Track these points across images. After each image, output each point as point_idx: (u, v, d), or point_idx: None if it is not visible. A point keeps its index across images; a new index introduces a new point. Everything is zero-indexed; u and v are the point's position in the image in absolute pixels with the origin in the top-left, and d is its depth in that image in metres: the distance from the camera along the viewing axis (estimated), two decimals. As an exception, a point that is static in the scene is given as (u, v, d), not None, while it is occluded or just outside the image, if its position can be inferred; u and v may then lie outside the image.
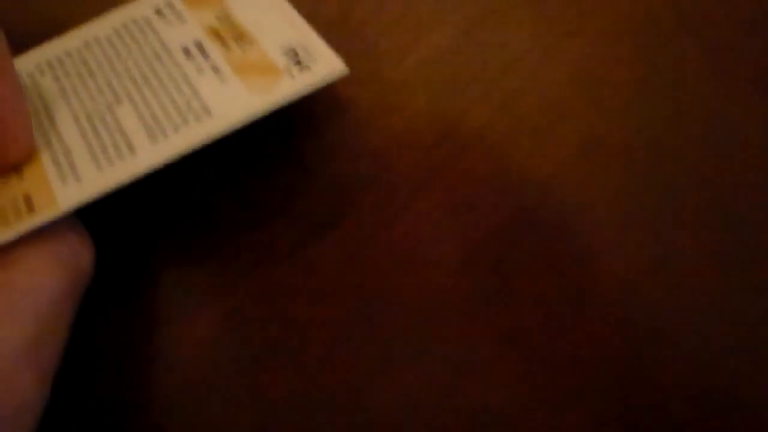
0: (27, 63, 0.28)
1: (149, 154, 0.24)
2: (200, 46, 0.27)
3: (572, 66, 0.28)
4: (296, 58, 0.26)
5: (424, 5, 0.29)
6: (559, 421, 0.23)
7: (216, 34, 0.27)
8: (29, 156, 0.24)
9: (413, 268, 0.25)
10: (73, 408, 0.24)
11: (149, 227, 0.27)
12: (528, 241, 0.26)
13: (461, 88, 0.28)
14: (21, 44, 0.27)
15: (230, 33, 0.27)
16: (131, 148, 0.25)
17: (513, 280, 0.25)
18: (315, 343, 0.25)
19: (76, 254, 0.23)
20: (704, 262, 0.25)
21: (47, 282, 0.22)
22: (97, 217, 0.26)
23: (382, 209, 0.26)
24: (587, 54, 0.28)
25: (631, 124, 0.27)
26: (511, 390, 0.24)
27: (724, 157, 0.26)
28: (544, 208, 0.26)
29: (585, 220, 0.26)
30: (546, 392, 0.24)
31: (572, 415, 0.23)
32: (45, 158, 0.25)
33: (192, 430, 0.24)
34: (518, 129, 0.27)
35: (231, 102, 0.25)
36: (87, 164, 0.25)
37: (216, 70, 0.26)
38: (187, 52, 0.27)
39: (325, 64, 0.26)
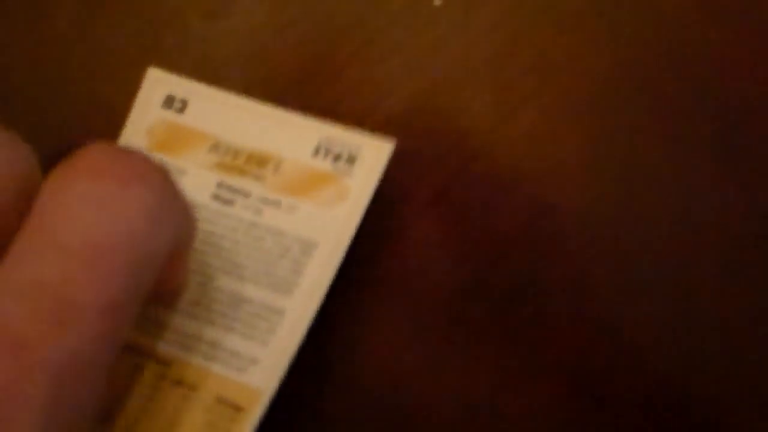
0: None
1: (299, 307, 0.26)
2: (229, 188, 0.28)
3: (529, 131, 0.29)
4: (333, 154, 0.28)
5: (383, 70, 0.32)
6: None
7: (229, 168, 0.28)
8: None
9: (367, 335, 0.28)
10: None
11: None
12: (480, 308, 0.28)
13: (416, 154, 0.30)
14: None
15: (243, 160, 0.28)
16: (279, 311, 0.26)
17: (465, 347, 0.27)
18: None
19: None
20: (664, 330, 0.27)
21: None
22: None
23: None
24: (544, 119, 0.29)
25: (587, 192, 0.29)
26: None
27: (682, 224, 0.28)
28: (497, 274, 0.28)
29: (537, 287, 0.28)
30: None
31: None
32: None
33: None
34: (472, 194, 0.29)
35: (324, 225, 0.27)
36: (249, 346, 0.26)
37: (272, 203, 0.28)
38: (218, 198, 0.28)
39: (371, 148, 0.28)
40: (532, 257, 0.28)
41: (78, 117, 0.30)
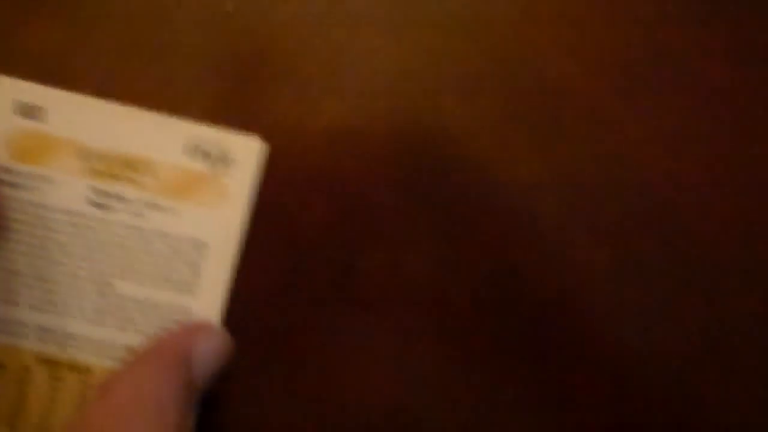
0: None
1: (205, 305, 0.29)
2: (105, 193, 0.29)
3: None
4: (205, 154, 0.29)
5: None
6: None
7: (101, 174, 0.30)
8: None
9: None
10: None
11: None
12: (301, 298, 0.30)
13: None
14: None
15: (114, 164, 0.29)
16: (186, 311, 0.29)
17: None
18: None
19: None
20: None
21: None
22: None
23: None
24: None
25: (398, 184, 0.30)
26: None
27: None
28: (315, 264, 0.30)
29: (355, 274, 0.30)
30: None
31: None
32: None
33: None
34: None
35: (210, 225, 0.29)
36: None
37: (153, 206, 0.30)
38: (95, 204, 0.29)
39: (240, 147, 0.30)
40: (345, 247, 0.30)
41: None
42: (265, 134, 0.30)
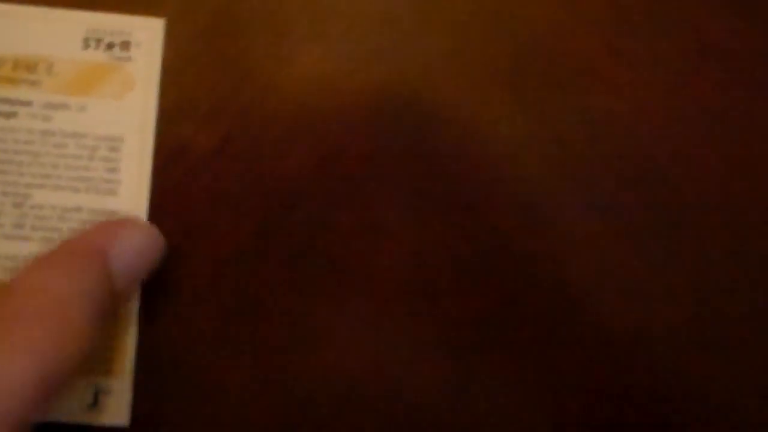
0: None
1: (130, 204, 0.28)
2: (4, 100, 0.27)
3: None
4: (105, 43, 0.28)
5: None
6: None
7: (0, 80, 0.28)
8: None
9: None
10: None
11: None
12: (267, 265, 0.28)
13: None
14: None
15: (9, 68, 0.28)
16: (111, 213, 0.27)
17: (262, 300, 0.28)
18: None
19: None
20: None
21: None
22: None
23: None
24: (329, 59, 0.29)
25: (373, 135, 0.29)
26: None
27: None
28: (290, 221, 0.28)
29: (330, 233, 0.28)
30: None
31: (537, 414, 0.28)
32: None
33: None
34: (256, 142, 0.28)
35: (121, 118, 0.28)
36: None
37: (58, 106, 0.28)
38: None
39: (143, 30, 0.28)
40: (322, 202, 0.28)
41: None
42: (240, 79, 0.28)
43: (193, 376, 0.27)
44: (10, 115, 0.27)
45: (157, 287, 0.27)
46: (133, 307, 0.26)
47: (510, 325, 0.28)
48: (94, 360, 0.26)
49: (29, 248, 0.26)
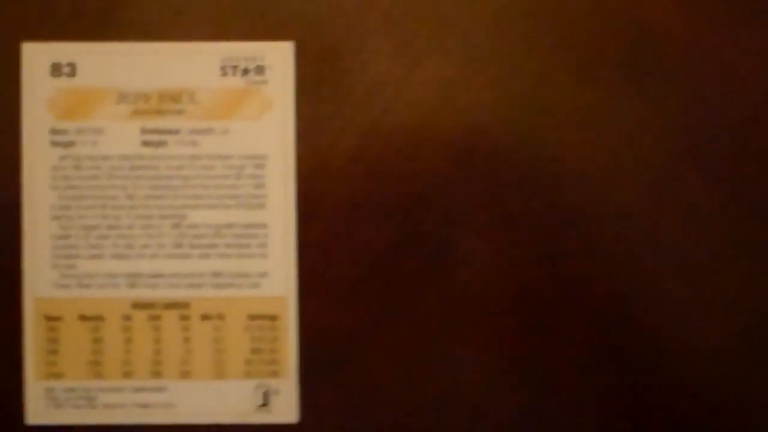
0: None
1: (278, 217, 0.30)
2: (154, 131, 0.30)
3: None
4: (240, 69, 0.30)
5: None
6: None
7: (145, 113, 0.30)
8: None
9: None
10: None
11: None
12: (408, 266, 0.29)
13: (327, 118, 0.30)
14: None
15: (155, 101, 0.30)
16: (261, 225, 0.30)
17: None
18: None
19: None
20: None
21: None
22: None
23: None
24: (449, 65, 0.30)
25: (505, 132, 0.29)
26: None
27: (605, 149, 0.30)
28: (424, 224, 0.29)
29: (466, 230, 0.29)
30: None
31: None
32: None
33: None
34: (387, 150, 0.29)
35: (263, 137, 0.30)
36: (250, 264, 0.30)
37: (203, 131, 0.30)
38: (147, 143, 0.30)
39: (274, 53, 0.30)
40: (457, 201, 0.29)
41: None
42: (367, 91, 0.30)
43: (350, 371, 0.29)
44: (160, 144, 0.29)
45: (312, 291, 0.28)
46: (293, 311, 0.28)
47: (592, 353, 0.29)
48: (263, 363, 0.28)
49: (190, 265, 0.28)
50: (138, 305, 0.28)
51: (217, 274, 0.28)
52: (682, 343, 0.29)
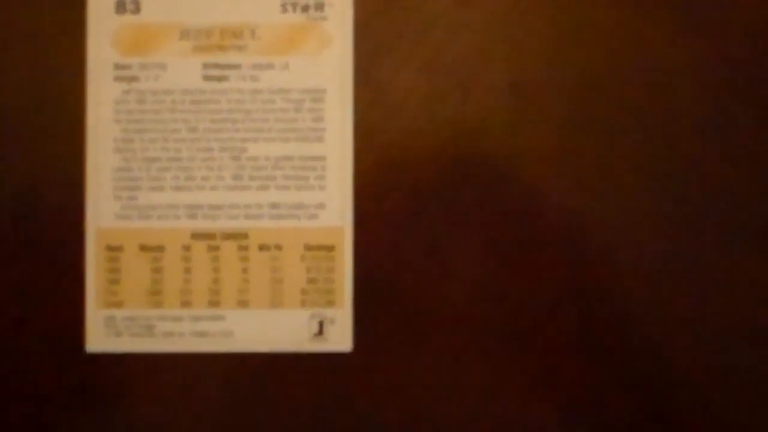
0: None
1: (336, 149, 0.30)
2: (216, 65, 0.30)
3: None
4: (300, 6, 0.30)
5: None
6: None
7: (207, 48, 0.31)
8: None
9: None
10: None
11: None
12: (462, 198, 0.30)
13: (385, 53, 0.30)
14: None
15: (217, 36, 0.30)
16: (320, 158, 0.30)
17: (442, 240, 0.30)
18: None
19: None
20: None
21: None
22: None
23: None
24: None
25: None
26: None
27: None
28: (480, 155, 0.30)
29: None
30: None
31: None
32: None
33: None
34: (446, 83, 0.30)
35: (322, 71, 0.30)
36: (308, 196, 0.31)
37: (264, 66, 0.30)
38: (209, 78, 0.30)
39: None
40: (513, 131, 0.30)
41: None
42: (425, 22, 0.30)
43: (403, 302, 0.29)
44: (222, 79, 0.29)
45: (367, 220, 0.29)
46: (349, 241, 0.29)
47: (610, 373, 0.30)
48: (318, 293, 0.29)
49: (249, 197, 0.29)
50: (197, 236, 0.29)
51: (275, 206, 0.29)
52: (679, 349, 0.30)
